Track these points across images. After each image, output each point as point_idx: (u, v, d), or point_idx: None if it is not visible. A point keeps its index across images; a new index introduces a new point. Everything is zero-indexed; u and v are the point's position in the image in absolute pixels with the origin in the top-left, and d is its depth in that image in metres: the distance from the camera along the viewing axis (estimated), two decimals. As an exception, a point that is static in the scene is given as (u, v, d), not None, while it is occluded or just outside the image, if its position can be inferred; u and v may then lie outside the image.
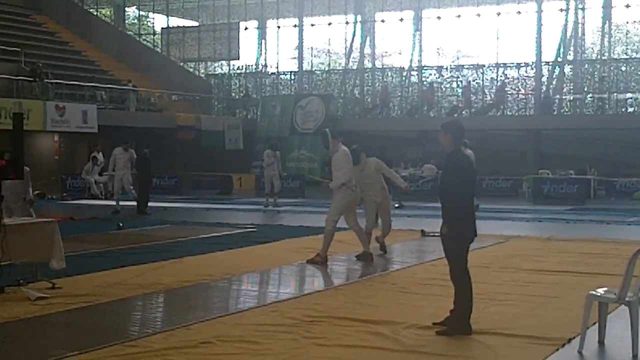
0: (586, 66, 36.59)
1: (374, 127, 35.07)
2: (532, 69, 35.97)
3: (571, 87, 36.34)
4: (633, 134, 31.41)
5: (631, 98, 34.60)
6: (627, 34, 39.54)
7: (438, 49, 40.23)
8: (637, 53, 38.24)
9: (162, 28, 44.39)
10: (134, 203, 21.43)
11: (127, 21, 45.58)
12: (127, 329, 7.96)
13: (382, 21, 40.14)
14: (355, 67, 40.47)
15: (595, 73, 35.98)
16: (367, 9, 40.08)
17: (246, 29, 42.71)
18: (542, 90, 35.54)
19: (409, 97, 38.66)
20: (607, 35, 36.65)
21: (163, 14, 44.14)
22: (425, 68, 38.62)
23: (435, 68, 38.57)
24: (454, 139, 7.87)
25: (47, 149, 30.46)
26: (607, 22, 36.42)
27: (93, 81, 32.50)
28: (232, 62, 43.45)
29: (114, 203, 21.63)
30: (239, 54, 42.09)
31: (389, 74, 39.87)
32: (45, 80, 29.55)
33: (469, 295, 7.80)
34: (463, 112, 34.85)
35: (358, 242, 13.28)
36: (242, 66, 43.71)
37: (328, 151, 12.61)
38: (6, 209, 11.81)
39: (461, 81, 36.85)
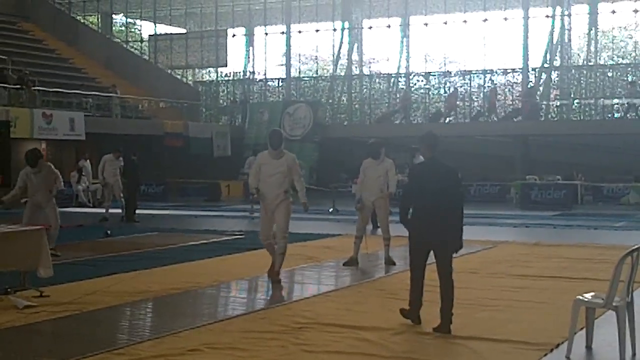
0: (573, 72, 36.77)
1: (361, 133, 35.06)
2: (519, 74, 36.12)
3: (558, 93, 36.49)
4: (620, 140, 31.55)
5: (618, 104, 34.75)
6: (613, 39, 39.78)
7: (425, 55, 40.36)
8: (623, 59, 38.48)
9: (149, 35, 44.32)
10: (119, 210, 21.40)
11: (114, 28, 45.49)
12: (115, 337, 7.94)
13: (370, 28, 40.21)
14: (342, 74, 40.50)
15: (582, 79, 36.16)
16: (354, 16, 40.12)
17: (234, 36, 42.69)
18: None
19: (397, 103, 38.71)
20: (593, 41, 36.80)
21: (150, 21, 44.05)
22: (412, 74, 38.71)
23: (422, 74, 38.68)
24: (427, 147, 8.44)
25: (34, 157, 30.32)
26: (593, 28, 36.57)
27: (80, 89, 32.42)
28: (219, 69, 43.46)
29: (102, 210, 21.55)
30: (226, 61, 42.04)
31: (377, 80, 39.96)
32: (32, 87, 29.47)
33: (414, 292, 8.36)
34: (491, 117, 34.87)
35: (347, 249, 13.31)
36: (230, 73, 43.72)
37: (275, 151, 11.12)
38: (31, 205, 13.50)
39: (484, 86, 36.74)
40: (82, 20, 42.66)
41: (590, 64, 36.53)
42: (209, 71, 44.81)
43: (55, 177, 13.64)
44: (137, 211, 21.63)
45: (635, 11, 35.20)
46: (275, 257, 11.15)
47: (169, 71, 41.93)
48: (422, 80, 38.44)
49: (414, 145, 19.48)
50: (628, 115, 32.19)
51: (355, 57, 40.33)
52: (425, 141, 8.44)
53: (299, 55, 42.79)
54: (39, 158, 13.38)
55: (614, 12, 35.73)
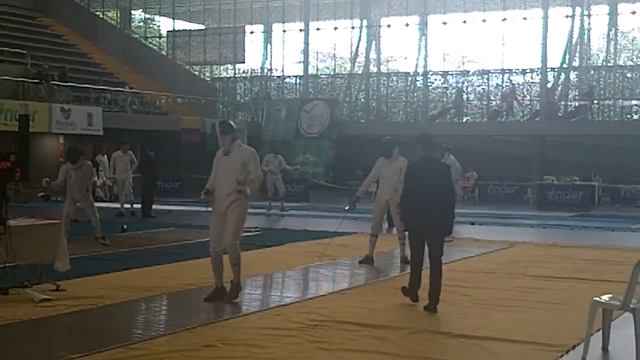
0: (592, 72, 36.57)
1: (378, 131, 34.98)
2: (538, 74, 35.96)
3: (576, 94, 36.30)
4: (638, 141, 31.37)
5: (636, 105, 34.53)
6: (632, 40, 39.53)
7: (444, 54, 40.25)
8: (642, 60, 38.21)
9: (168, 31, 44.45)
10: (128, 206, 21.48)
11: (133, 24, 45.66)
12: (130, 332, 7.95)
13: (388, 26, 40.17)
14: (360, 72, 40.47)
15: (601, 80, 35.96)
16: (372, 14, 40.09)
17: (252, 32, 42.78)
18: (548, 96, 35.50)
19: (414, 102, 38.70)
20: (612, 42, 36.60)
21: (169, 17, 44.21)
22: (430, 73, 38.63)
23: (440, 73, 38.59)
24: (423, 146, 9.37)
25: (52, 151, 30.47)
26: (612, 28, 36.37)
27: (99, 84, 32.54)
28: (237, 66, 43.52)
29: (118, 205, 21.65)
30: (244, 57, 42.12)
31: (394, 78, 39.89)
32: (51, 82, 29.61)
33: (413, 274, 9.37)
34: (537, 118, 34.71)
35: (362, 247, 13.28)
36: (248, 70, 43.78)
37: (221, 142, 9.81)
38: (70, 199, 14.26)
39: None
40: (101, 16, 42.85)
41: (609, 64, 36.33)
42: (227, 68, 44.86)
43: (92, 175, 14.55)
44: (154, 207, 21.68)
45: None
46: (232, 269, 9.68)
47: (187, 67, 42.04)
48: (440, 79, 38.35)
49: (444, 145, 19.65)
50: None
51: (373, 55, 40.31)
52: (422, 141, 9.39)
53: (317, 52, 42.82)
54: (80, 155, 14.26)
55: (634, 12, 35.50)
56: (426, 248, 9.25)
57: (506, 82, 36.62)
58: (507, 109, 35.05)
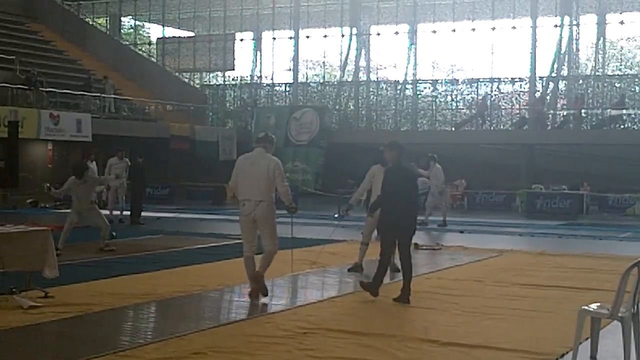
0: (580, 82, 36.73)
1: (367, 139, 35.05)
2: (527, 84, 36.11)
3: (565, 103, 36.46)
4: (626, 150, 31.51)
5: (625, 114, 34.69)
6: (621, 50, 39.76)
7: (433, 62, 40.39)
8: (630, 69, 38.42)
9: (157, 38, 44.46)
10: (117, 212, 21.41)
11: (122, 31, 45.64)
12: (119, 339, 7.94)
13: (378, 34, 40.29)
14: (350, 80, 40.55)
15: (590, 89, 36.14)
16: (362, 22, 40.19)
17: (242, 40, 42.82)
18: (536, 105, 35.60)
19: (403, 110, 38.79)
20: (601, 52, 36.79)
21: (159, 24, 44.21)
22: (420, 81, 38.74)
23: (430, 82, 38.69)
24: (395, 154, 10.24)
25: (41, 158, 30.41)
26: (601, 38, 36.57)
27: (88, 90, 32.47)
28: (227, 73, 43.52)
29: (107, 212, 21.57)
30: (234, 64, 42.17)
31: (384, 86, 39.97)
32: (40, 88, 29.54)
33: (380, 272, 10.19)
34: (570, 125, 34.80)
35: (352, 255, 13.29)
36: (237, 77, 43.80)
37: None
38: (77, 211, 14.39)
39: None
40: (90, 22, 42.80)
41: (597, 74, 36.51)
42: (217, 75, 44.88)
43: (94, 187, 15.07)
44: (143, 213, 21.63)
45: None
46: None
47: (177, 74, 42.02)
48: (429, 88, 38.45)
49: (429, 154, 20.41)
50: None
51: (362, 63, 40.41)
52: (394, 149, 10.27)
53: (307, 60, 42.90)
54: (85, 170, 14.49)
55: (622, 22, 35.72)
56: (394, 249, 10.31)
57: (495, 90, 36.77)
58: (537, 117, 34.83)
